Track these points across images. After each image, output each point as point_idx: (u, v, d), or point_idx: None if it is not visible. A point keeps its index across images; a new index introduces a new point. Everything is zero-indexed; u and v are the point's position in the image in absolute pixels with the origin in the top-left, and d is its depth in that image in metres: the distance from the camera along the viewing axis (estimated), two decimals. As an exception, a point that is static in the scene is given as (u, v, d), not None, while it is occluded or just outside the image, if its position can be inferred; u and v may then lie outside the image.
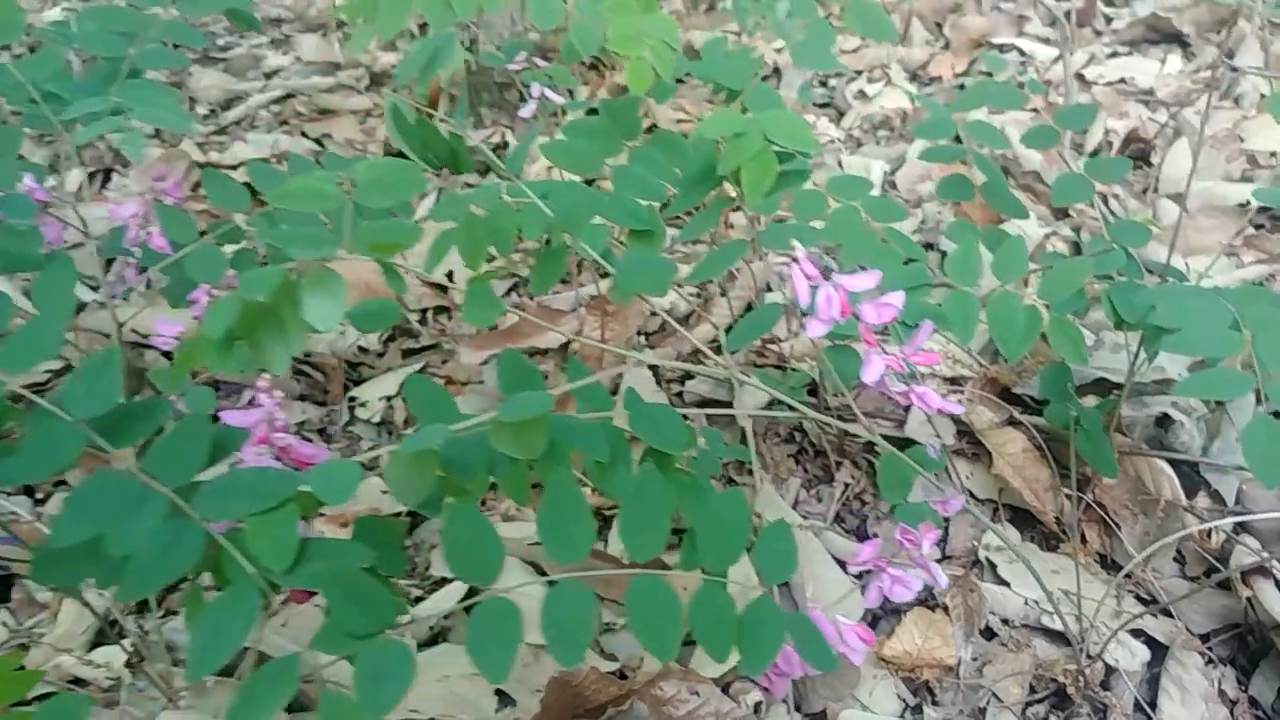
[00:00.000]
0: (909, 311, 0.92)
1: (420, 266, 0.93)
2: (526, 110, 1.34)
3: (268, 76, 3.11)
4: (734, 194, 0.90)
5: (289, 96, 2.95)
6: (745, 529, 0.61)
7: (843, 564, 1.22)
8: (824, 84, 2.69)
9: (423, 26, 3.03)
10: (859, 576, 0.76)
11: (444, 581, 1.26)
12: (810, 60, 1.22)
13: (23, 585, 1.26)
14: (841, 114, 2.52)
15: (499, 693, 1.11)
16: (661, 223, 0.98)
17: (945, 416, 1.35)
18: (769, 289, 1.76)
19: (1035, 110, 2.26)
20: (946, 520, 1.26)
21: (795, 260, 0.70)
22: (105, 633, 1.21)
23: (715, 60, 1.22)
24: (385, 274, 0.67)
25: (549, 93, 1.35)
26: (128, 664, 1.12)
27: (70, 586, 0.73)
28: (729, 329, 1.26)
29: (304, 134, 2.72)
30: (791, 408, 0.79)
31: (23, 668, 0.81)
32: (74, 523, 0.58)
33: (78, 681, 1.13)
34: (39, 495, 1.35)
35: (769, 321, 0.83)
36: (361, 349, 1.71)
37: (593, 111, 1.12)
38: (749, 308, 1.75)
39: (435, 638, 1.16)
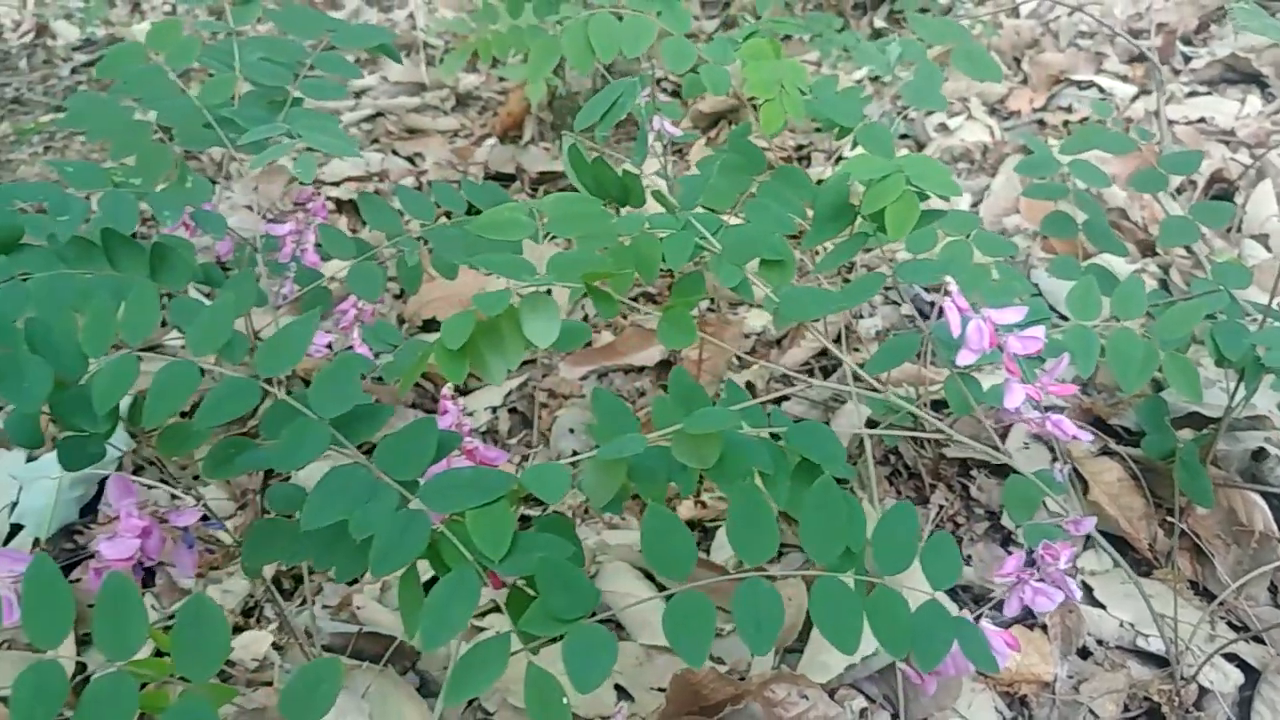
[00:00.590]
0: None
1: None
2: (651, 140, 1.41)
3: (356, 96, 3.23)
4: (867, 230, 0.96)
5: (378, 115, 3.07)
6: (916, 538, 0.67)
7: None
8: (903, 115, 2.75)
9: (524, 56, 3.13)
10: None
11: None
12: (920, 100, 1.29)
13: (165, 572, 1.35)
14: (921, 146, 2.58)
15: (617, 688, 1.18)
16: (792, 254, 1.05)
17: (1041, 444, 1.41)
18: (860, 316, 1.83)
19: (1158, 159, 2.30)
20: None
21: (948, 294, 0.76)
22: (249, 616, 1.30)
23: (827, 98, 1.29)
24: (595, 299, 0.74)
25: (667, 125, 1.43)
26: (274, 645, 1.20)
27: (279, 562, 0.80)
28: (819, 353, 1.33)
29: (395, 152, 2.82)
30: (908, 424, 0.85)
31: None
32: (321, 508, 0.66)
33: (226, 662, 1.21)
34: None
35: (911, 348, 0.89)
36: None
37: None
38: (839, 337, 1.82)
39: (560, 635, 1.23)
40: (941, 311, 0.77)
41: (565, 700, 0.64)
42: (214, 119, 1.20)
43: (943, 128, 2.63)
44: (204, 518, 0.84)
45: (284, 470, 0.68)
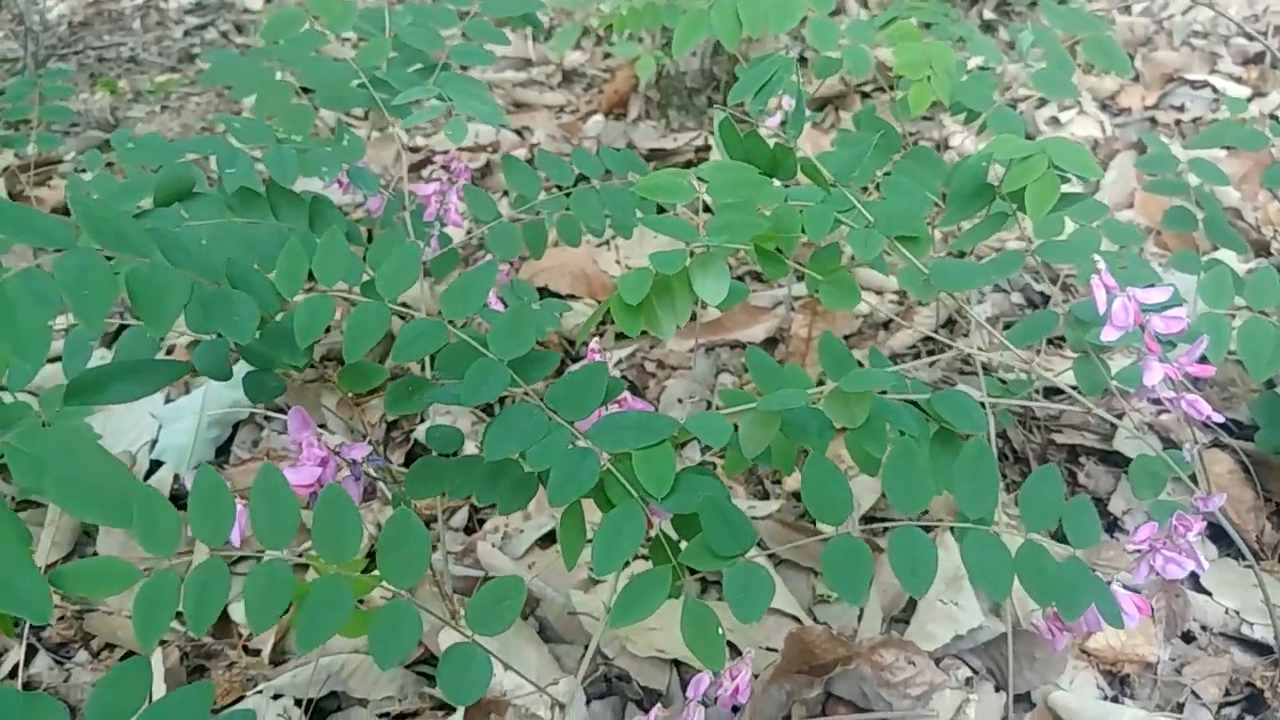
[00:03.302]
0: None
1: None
2: (773, 120, 1.45)
3: (463, 69, 3.30)
4: (1006, 209, 0.99)
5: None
6: (1060, 497, 0.71)
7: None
8: (1013, 107, 2.74)
9: (608, 29, 3.18)
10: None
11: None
12: (1052, 89, 1.31)
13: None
14: (1031, 139, 2.56)
15: (729, 645, 1.22)
16: (928, 230, 1.08)
17: (1153, 432, 1.42)
18: (969, 302, 1.84)
19: (1230, 148, 2.28)
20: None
21: (1097, 271, 0.79)
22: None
23: (961, 85, 1.32)
24: (764, 261, 0.79)
25: (785, 100, 1.46)
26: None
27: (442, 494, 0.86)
28: (923, 337, 1.35)
29: (503, 125, 2.89)
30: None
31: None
32: (500, 442, 0.72)
33: (359, 601, 1.29)
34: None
35: (1049, 325, 0.92)
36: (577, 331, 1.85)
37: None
38: (948, 321, 1.84)
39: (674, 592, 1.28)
40: (1069, 293, 0.80)
41: (721, 631, 0.68)
42: (368, 80, 1.26)
43: (1054, 121, 2.62)
44: (372, 460, 0.90)
45: (470, 404, 0.73)
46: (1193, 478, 0.91)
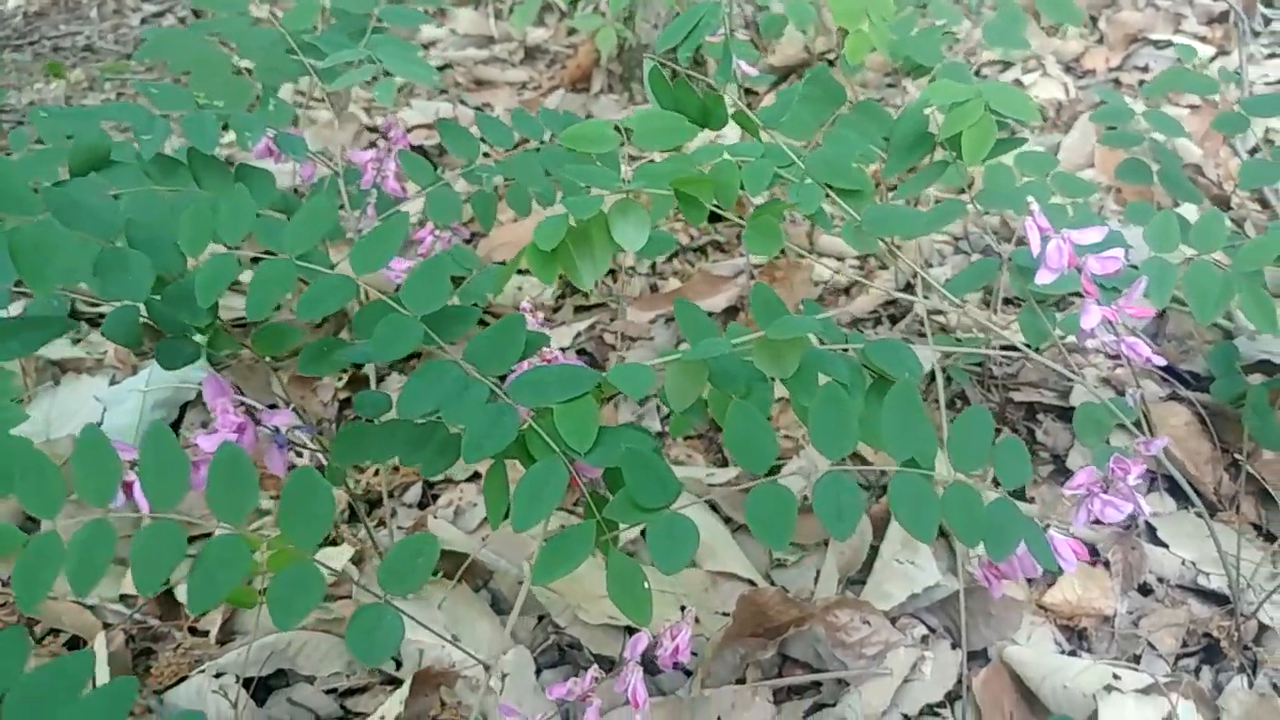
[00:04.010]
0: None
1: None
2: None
3: (426, 47, 3.26)
4: (947, 159, 0.97)
5: (447, 67, 3.10)
6: (990, 437, 0.69)
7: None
8: (977, 73, 2.72)
9: (572, 4, 3.15)
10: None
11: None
12: (1003, 40, 1.29)
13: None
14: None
15: (682, 610, 1.21)
16: (870, 184, 1.07)
17: (1110, 388, 1.41)
18: (930, 265, 1.83)
19: (1194, 107, 2.27)
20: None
21: (1030, 213, 0.77)
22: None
23: (906, 37, 1.30)
24: (684, 205, 0.76)
25: (745, 66, 1.44)
26: (353, 560, 1.25)
27: (368, 462, 0.84)
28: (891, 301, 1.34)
29: (463, 102, 2.86)
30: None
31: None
32: (415, 399, 0.70)
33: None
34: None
35: (990, 272, 0.90)
36: (538, 304, 1.83)
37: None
38: (908, 285, 1.82)
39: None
40: (1020, 241, 0.78)
41: (647, 585, 0.67)
42: (297, 45, 1.23)
43: (1017, 84, 2.60)
44: (296, 427, 0.88)
45: (381, 361, 0.71)
46: (1137, 424, 0.90)
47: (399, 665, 1.12)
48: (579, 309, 1.84)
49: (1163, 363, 0.84)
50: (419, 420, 0.76)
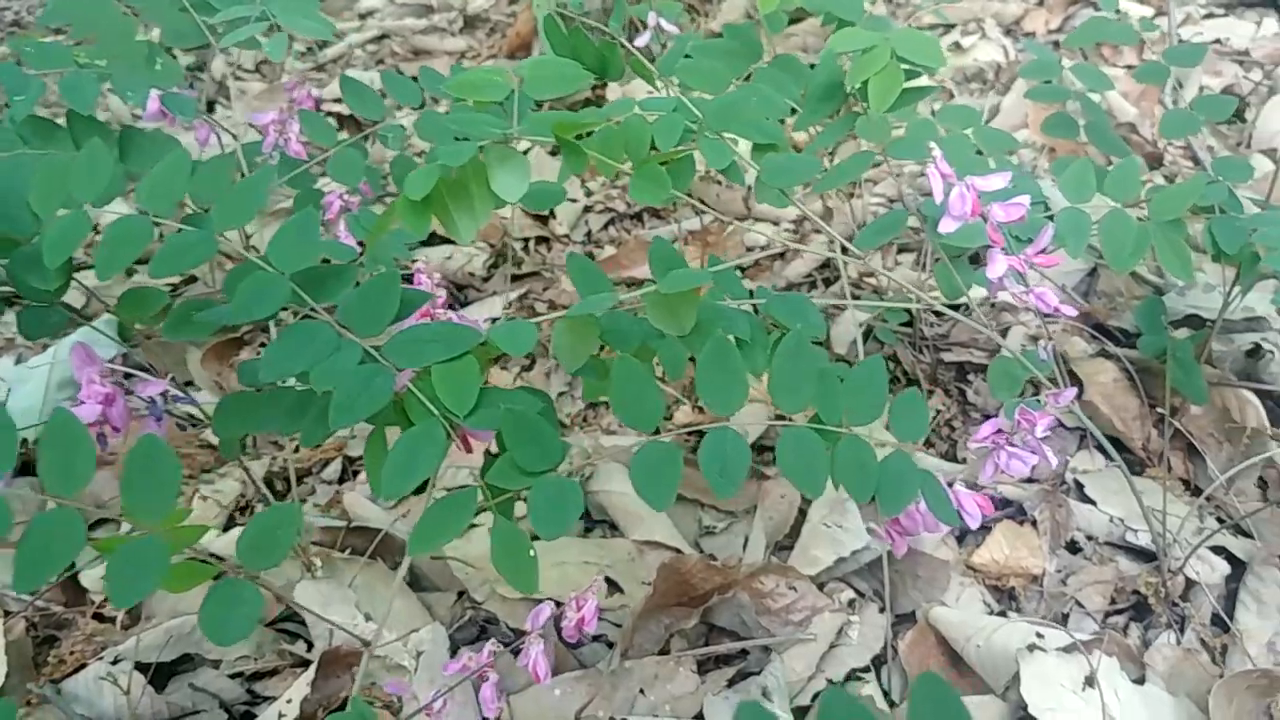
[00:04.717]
0: (1024, 227, 0.96)
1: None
2: (641, 40, 1.39)
3: (363, 17, 3.19)
4: (860, 110, 0.94)
5: (384, 37, 3.03)
6: (884, 391, 0.66)
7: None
8: (915, 35, 2.70)
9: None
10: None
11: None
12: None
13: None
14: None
15: (607, 580, 1.18)
16: (785, 138, 1.03)
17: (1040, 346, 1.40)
18: (863, 227, 1.80)
19: (1131, 67, 2.26)
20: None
21: (932, 159, 0.75)
22: (240, 515, 1.31)
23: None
24: (565, 151, 0.73)
25: (664, 23, 1.40)
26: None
27: (235, 437, 0.80)
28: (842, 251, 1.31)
29: (399, 72, 2.80)
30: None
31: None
32: (280, 360, 0.66)
33: (216, 557, 1.22)
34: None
35: (897, 224, 0.88)
36: (469, 274, 1.79)
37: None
38: (844, 250, 1.80)
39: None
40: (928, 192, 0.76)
41: (533, 552, 0.64)
42: (191, 4, 1.18)
43: (956, 47, 2.58)
44: (175, 398, 0.84)
45: (241, 321, 0.67)
46: (1052, 378, 0.88)
47: (310, 646, 1.09)
48: (516, 278, 1.80)
49: (1073, 312, 0.82)
50: (300, 387, 0.72)
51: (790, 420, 0.69)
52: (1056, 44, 2.60)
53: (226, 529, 1.28)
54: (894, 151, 0.90)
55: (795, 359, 0.67)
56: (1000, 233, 0.77)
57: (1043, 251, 0.80)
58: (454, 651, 1.09)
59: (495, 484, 0.66)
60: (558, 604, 0.82)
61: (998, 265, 0.77)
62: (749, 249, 1.82)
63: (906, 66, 0.88)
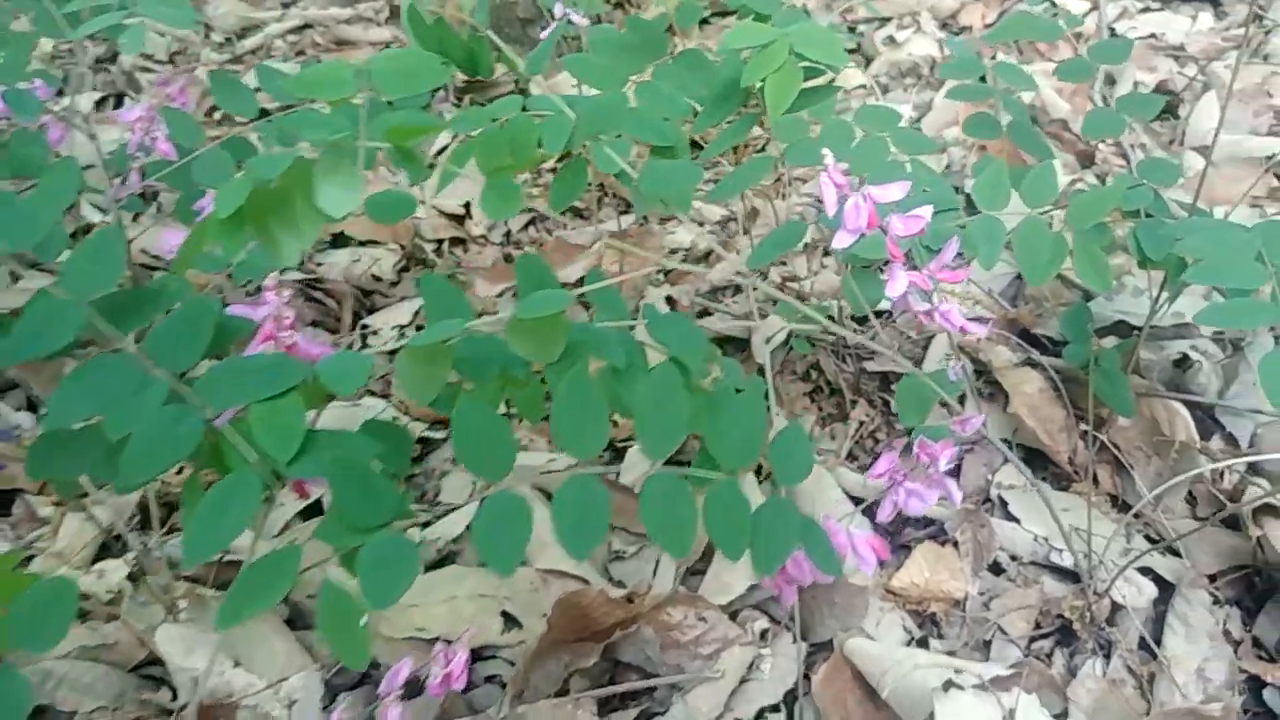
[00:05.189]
0: (935, 236, 0.90)
1: (436, 197, 0.91)
2: (546, 32, 1.31)
3: (285, 6, 3.08)
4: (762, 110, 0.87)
5: (307, 27, 2.92)
6: (762, 428, 0.59)
7: (856, 499, 1.21)
8: (852, 29, 2.65)
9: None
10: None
11: (450, 509, 1.26)
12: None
13: (24, 500, 1.25)
14: (870, 60, 2.48)
15: (505, 615, 1.11)
16: (685, 140, 0.96)
17: (964, 355, 1.34)
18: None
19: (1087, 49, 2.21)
20: (959, 460, 1.26)
21: (825, 167, 0.68)
22: (108, 547, 1.21)
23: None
24: (399, 157, 0.65)
25: (573, 15, 1.32)
26: (129, 577, 1.12)
27: (65, 479, 0.72)
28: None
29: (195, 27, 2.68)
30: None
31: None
32: (71, 403, 0.57)
33: (81, 595, 1.13)
34: (44, 411, 1.35)
35: (794, 238, 0.81)
36: (375, 278, 1.70)
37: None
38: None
39: (443, 560, 1.15)
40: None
41: (365, 622, 0.56)
42: (45, -10, 1.08)
43: (890, 41, 2.53)
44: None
45: (27, 358, 0.58)
46: (962, 399, 0.81)
47: (174, 695, 1.00)
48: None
49: (982, 331, 0.76)
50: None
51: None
52: (993, 38, 2.56)
53: (96, 560, 1.18)
54: (790, 157, 0.83)
55: (663, 397, 0.59)
56: (900, 246, 0.70)
57: (950, 265, 0.73)
58: (334, 697, 1.00)
59: (326, 541, 0.58)
60: (447, 642, 0.75)
61: (898, 282, 0.71)
62: (672, 251, 1.75)
63: (807, 64, 0.81)
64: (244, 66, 2.75)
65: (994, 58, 2.27)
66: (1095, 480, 1.20)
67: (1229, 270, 0.80)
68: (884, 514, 0.68)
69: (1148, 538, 1.14)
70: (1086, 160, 1.80)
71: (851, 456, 1.32)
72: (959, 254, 0.88)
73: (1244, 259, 0.82)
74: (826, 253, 1.67)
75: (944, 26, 2.63)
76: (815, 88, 0.84)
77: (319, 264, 1.71)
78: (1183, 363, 1.22)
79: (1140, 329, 1.24)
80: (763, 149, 1.83)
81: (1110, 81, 2.19)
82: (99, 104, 2.38)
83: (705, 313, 1.59)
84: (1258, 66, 2.15)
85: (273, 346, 0.70)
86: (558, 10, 1.32)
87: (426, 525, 1.21)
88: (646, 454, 0.57)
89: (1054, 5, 2.70)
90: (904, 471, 0.67)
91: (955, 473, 1.23)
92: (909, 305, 0.74)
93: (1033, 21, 1.16)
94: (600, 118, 0.78)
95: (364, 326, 1.59)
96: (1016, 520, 1.16)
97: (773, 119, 0.79)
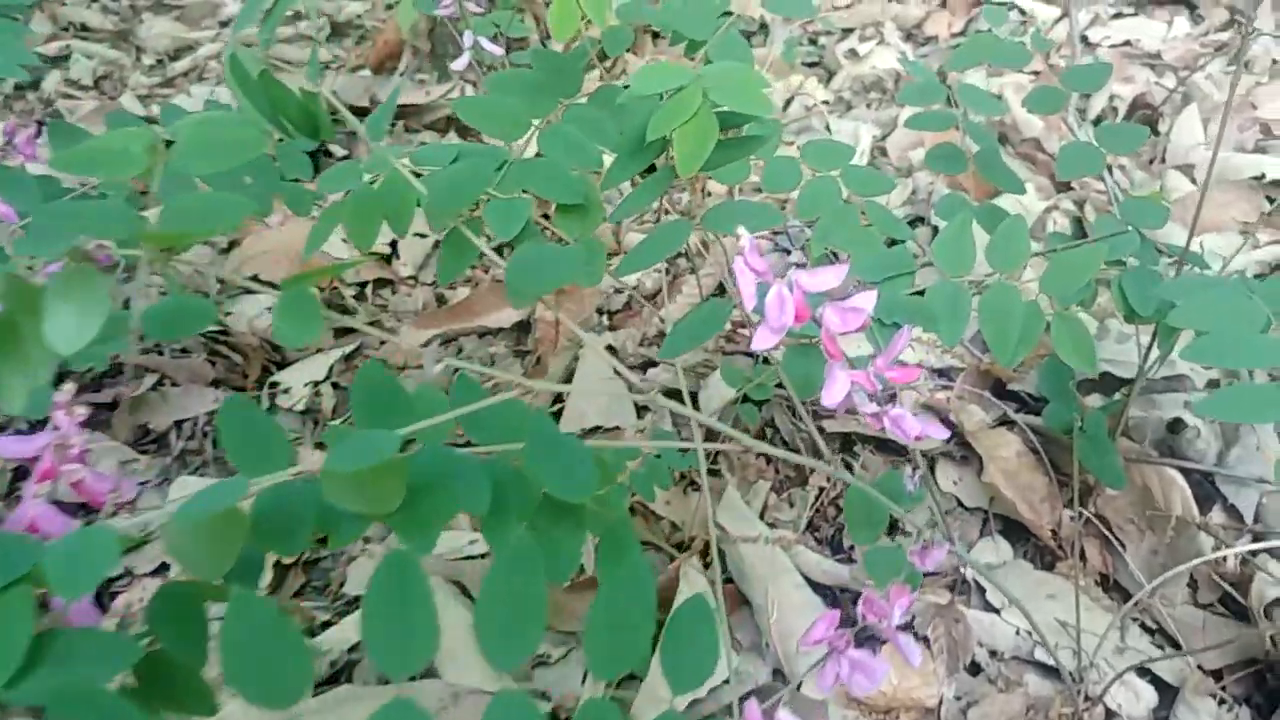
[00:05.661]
0: (888, 307, 0.76)
1: (309, 258, 0.78)
2: (459, 63, 1.17)
3: (223, 25, 2.93)
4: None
5: (244, 46, 2.78)
6: (648, 621, 0.45)
7: (813, 583, 1.08)
8: (813, 42, 2.52)
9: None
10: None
11: (358, 603, 1.11)
12: (785, 7, 1.06)
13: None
14: (831, 74, 2.35)
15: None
16: (597, 195, 0.82)
17: (932, 414, 1.20)
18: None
19: (1037, 73, 2.09)
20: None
21: (740, 251, 0.54)
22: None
23: (675, 6, 1.06)
24: (169, 280, 0.50)
25: (486, 43, 1.18)
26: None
27: None
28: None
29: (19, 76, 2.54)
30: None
31: None
32: None
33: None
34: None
35: (717, 322, 0.67)
36: (288, 328, 1.55)
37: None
38: (721, 288, 1.59)
39: (337, 674, 1.01)
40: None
41: None
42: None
43: (853, 54, 2.40)
44: None
45: None
46: (932, 523, 0.67)
47: None
48: (340, 331, 1.56)
49: (943, 433, 0.62)
50: None
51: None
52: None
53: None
54: (707, 224, 0.69)
55: (512, 590, 0.44)
56: (837, 343, 0.56)
57: (900, 361, 0.59)
58: None
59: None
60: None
61: (837, 386, 0.57)
62: (617, 290, 1.61)
63: (728, 110, 0.67)
64: (175, 90, 2.60)
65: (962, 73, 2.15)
66: (1083, 557, 1.07)
67: (1232, 348, 0.67)
68: (824, 685, 0.54)
69: (1144, 625, 1.01)
70: (1064, 185, 1.67)
71: (812, 527, 1.18)
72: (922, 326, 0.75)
73: (1249, 332, 0.69)
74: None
75: (909, 37, 2.50)
76: (739, 139, 0.71)
77: (228, 313, 1.57)
78: (1177, 424, 1.08)
79: (1129, 381, 1.11)
80: (704, 189, 1.69)
81: (1085, 94, 2.06)
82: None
83: (650, 364, 1.45)
84: (1241, 76, 2.03)
85: (51, 486, 0.56)
86: (466, 39, 1.18)
87: (325, 626, 1.07)
88: (493, 665, 0.43)
89: (1022, 13, 2.58)
90: (845, 637, 0.53)
91: (910, 626, 1.10)
92: (860, 408, 0.60)
93: (996, 45, 1.03)
94: (455, 195, 0.64)
95: (273, 384, 1.44)
96: (996, 610, 1.02)
97: (683, 175, 0.65)
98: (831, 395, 0.56)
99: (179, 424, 1.40)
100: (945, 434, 0.62)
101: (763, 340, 0.55)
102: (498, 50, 1.19)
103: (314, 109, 0.61)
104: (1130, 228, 0.93)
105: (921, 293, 0.76)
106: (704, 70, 0.68)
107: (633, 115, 0.81)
